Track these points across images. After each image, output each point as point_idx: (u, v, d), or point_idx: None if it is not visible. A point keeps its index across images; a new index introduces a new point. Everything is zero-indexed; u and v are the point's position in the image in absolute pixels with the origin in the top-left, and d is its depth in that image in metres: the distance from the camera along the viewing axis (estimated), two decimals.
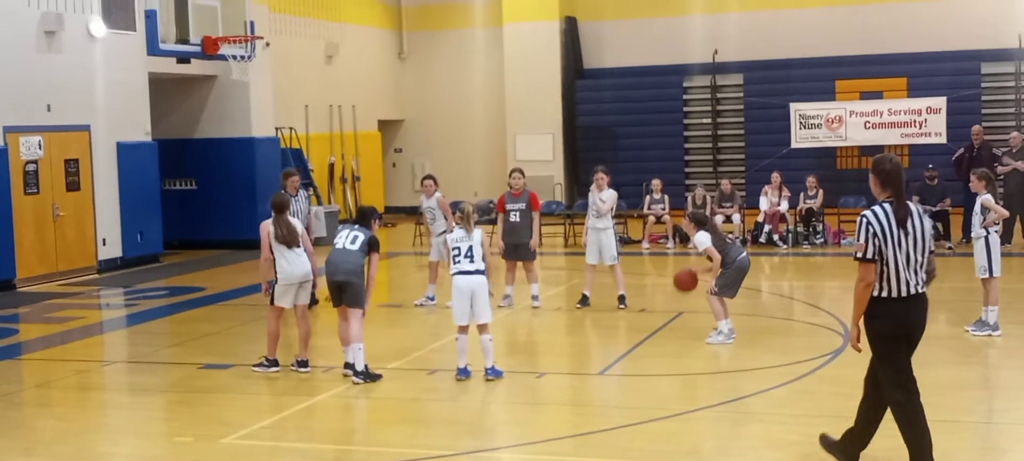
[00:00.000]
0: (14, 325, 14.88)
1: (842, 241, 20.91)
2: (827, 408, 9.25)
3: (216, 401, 10.30)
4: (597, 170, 14.71)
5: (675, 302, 13.93)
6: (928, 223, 7.20)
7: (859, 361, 11.05)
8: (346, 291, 10.58)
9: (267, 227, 11.05)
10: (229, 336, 13.59)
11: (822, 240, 20.95)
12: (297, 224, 11.14)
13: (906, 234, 7.02)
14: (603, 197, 14.35)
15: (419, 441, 8.84)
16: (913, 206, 7.17)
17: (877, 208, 7.10)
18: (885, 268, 7.00)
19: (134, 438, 9.43)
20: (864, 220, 7.06)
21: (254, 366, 11.23)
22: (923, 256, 7.09)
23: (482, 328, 10.51)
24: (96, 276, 19.22)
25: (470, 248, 10.51)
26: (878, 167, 7.19)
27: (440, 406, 9.99)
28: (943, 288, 16.26)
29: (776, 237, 20.98)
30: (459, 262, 10.52)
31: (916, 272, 7.06)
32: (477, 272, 10.48)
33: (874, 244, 6.99)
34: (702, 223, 12.19)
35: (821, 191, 21.30)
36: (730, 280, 12.02)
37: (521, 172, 14.94)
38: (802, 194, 21.27)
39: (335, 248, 10.74)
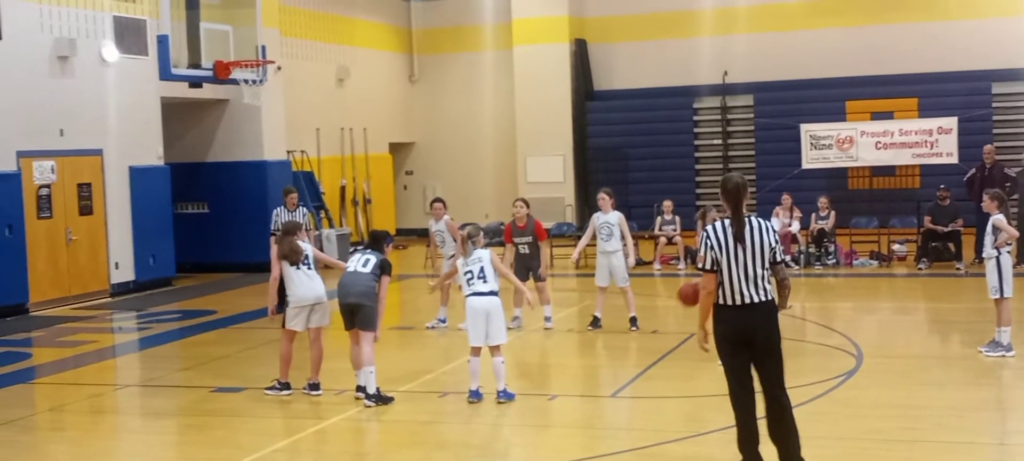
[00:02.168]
0: (27, 349, 14.92)
1: (854, 262, 20.86)
2: (840, 430, 9.23)
3: (228, 424, 10.32)
4: (601, 191, 14.67)
5: (687, 324, 13.89)
6: (770, 238, 7.55)
7: (872, 383, 11.07)
8: (358, 313, 10.58)
9: (273, 248, 11.12)
10: (241, 359, 13.60)
11: (834, 261, 20.89)
12: (306, 246, 11.14)
13: (743, 248, 7.46)
14: (611, 220, 14.33)
15: None
16: (757, 222, 7.58)
17: (717, 223, 7.61)
18: (722, 278, 7.48)
19: None
20: (704, 234, 7.59)
21: (266, 389, 11.23)
22: (763, 268, 7.49)
23: (495, 350, 10.49)
24: (109, 300, 19.27)
25: (482, 269, 10.51)
26: (721, 187, 7.71)
27: (452, 429, 9.98)
28: (956, 309, 16.24)
29: (788, 258, 20.94)
30: (473, 284, 10.51)
31: (755, 283, 7.47)
32: (491, 293, 10.48)
33: (711, 256, 7.51)
34: None
35: (833, 212, 21.27)
36: None
37: (525, 202, 14.84)
38: (814, 215, 21.22)
39: (347, 271, 10.76)
